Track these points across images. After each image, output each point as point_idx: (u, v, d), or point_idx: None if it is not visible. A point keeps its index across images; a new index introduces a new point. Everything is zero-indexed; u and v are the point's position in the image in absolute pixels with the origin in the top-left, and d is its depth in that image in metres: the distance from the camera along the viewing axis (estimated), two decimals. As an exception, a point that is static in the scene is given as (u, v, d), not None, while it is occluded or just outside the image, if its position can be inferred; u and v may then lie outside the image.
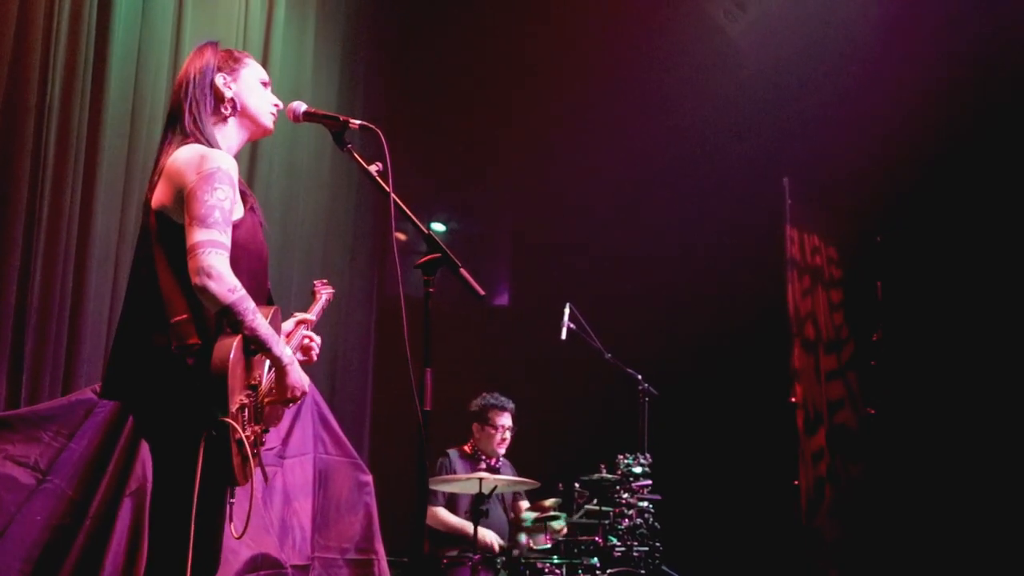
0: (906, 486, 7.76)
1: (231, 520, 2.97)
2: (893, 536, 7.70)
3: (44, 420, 4.17)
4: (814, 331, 7.90)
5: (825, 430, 7.78)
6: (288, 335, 3.34)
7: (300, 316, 3.45)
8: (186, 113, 3.06)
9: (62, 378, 4.62)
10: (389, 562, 5.27)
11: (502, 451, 6.46)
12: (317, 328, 3.51)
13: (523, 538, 6.21)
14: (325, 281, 3.75)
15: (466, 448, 6.48)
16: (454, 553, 5.88)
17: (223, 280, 2.79)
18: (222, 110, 3.14)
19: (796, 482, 7.34)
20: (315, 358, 3.42)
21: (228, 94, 3.15)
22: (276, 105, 3.27)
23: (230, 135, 3.16)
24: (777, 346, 7.55)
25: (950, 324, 7.72)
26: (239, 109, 3.17)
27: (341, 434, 5.41)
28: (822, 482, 7.63)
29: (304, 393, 3.03)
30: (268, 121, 3.25)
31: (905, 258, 8.06)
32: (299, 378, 3.00)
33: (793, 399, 7.44)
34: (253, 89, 3.21)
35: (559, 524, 5.95)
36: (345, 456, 5.39)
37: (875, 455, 8.05)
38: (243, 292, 2.82)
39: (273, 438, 4.99)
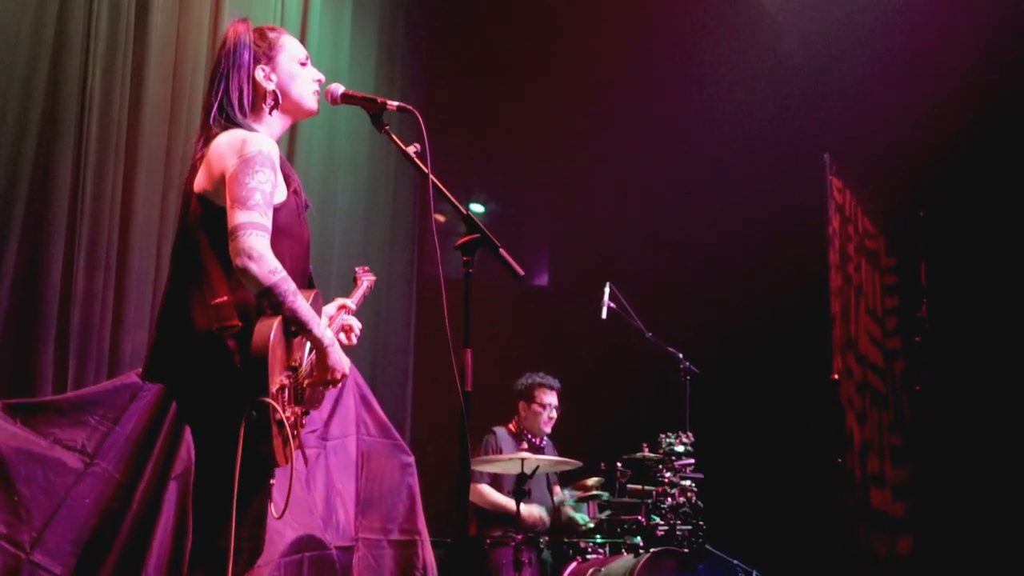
0: (950, 462, 7.68)
1: (272, 501, 3.00)
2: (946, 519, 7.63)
3: (90, 404, 4.22)
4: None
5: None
6: (330, 319, 3.35)
7: (341, 301, 3.46)
8: (216, 107, 3.04)
9: (107, 362, 4.66)
10: (432, 543, 5.29)
11: (548, 430, 6.48)
12: (358, 312, 3.52)
13: (568, 503, 6.23)
14: (367, 268, 3.76)
15: (512, 427, 6.50)
16: (498, 533, 5.90)
17: (264, 262, 2.80)
18: (263, 105, 3.12)
19: (840, 460, 7.28)
20: (355, 341, 3.43)
21: (270, 87, 3.13)
22: (319, 80, 3.25)
23: (272, 123, 3.16)
24: (819, 323, 7.48)
25: (996, 299, 7.60)
26: (281, 101, 3.16)
27: (383, 416, 5.43)
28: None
29: (345, 375, 3.04)
30: (312, 104, 3.23)
31: (950, 232, 7.95)
32: (339, 360, 3.01)
33: (835, 376, 7.38)
34: (294, 75, 3.18)
35: (582, 519, 5.98)
36: (387, 437, 5.41)
37: (918, 432, 7.98)
38: (284, 274, 2.83)
39: (315, 420, 5.01)
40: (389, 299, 7.22)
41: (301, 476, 4.79)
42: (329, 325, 3.27)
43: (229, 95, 3.06)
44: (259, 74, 3.12)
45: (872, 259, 8.13)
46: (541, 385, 6.46)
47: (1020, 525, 7.15)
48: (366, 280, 3.70)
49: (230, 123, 3.04)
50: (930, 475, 7.78)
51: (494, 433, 6.42)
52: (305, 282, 3.09)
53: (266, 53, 3.16)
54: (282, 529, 4.44)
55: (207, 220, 2.94)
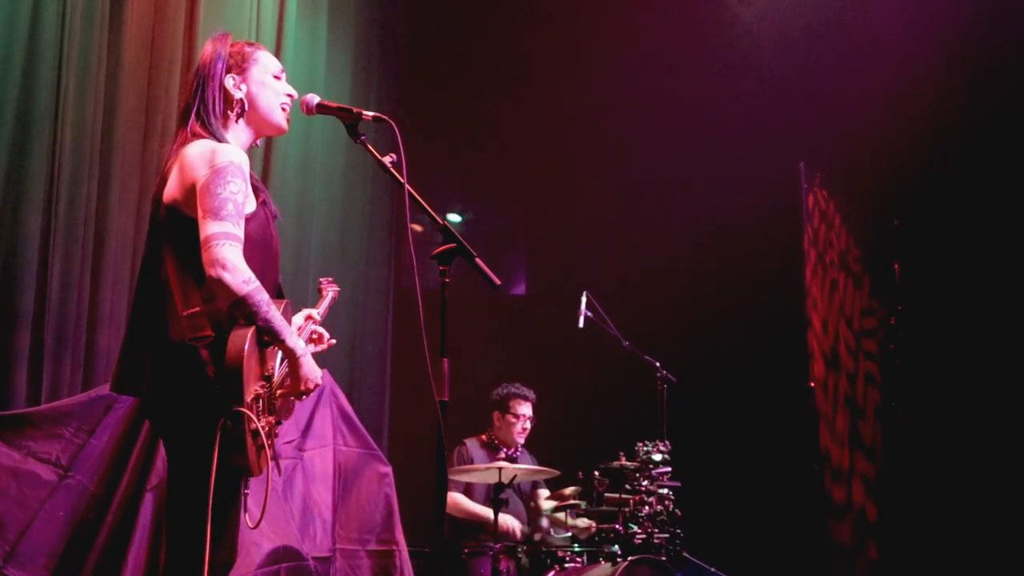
0: (927, 468, 7.72)
1: (246, 511, 2.99)
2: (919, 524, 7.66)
3: (65, 416, 4.19)
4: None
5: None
6: (299, 329, 3.36)
7: (307, 311, 3.47)
8: (193, 115, 3.09)
9: (82, 374, 4.63)
10: (410, 553, 5.28)
11: (521, 441, 6.48)
12: (327, 324, 3.53)
13: (544, 523, 6.23)
14: (331, 280, 3.78)
15: (484, 437, 6.50)
16: (474, 543, 5.89)
17: (237, 272, 2.81)
18: (230, 112, 3.15)
19: (815, 467, 7.31)
20: (326, 344, 3.45)
21: (238, 95, 3.16)
22: (290, 95, 3.27)
23: (240, 133, 3.18)
24: (795, 331, 7.52)
25: (972, 307, 7.63)
26: (248, 110, 3.18)
27: (360, 426, 5.42)
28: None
29: (317, 385, 3.06)
30: (279, 118, 3.25)
31: (924, 241, 7.99)
32: (312, 370, 3.02)
33: (811, 383, 7.42)
34: (264, 86, 3.21)
35: (584, 523, 5.97)
36: (364, 447, 5.40)
37: (894, 440, 8.02)
38: (257, 284, 2.84)
39: (292, 430, 5.00)
40: (366, 309, 7.21)
41: (277, 487, 4.78)
42: (298, 335, 3.27)
43: (204, 103, 3.10)
44: (229, 82, 3.16)
45: (848, 269, 8.17)
46: (516, 396, 6.46)
47: (994, 539, 7.19)
48: (331, 291, 3.72)
49: (204, 130, 3.06)
50: (902, 488, 7.82)
51: (464, 444, 6.42)
52: (275, 292, 3.10)
53: (239, 64, 3.20)
54: (258, 540, 4.42)
55: (177, 230, 2.94)
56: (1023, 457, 7.17)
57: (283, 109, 3.26)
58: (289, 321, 3.13)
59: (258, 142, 3.31)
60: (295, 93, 3.30)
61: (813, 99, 7.74)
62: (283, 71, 3.29)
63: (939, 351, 7.76)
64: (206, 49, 3.19)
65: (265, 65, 3.24)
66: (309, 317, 3.46)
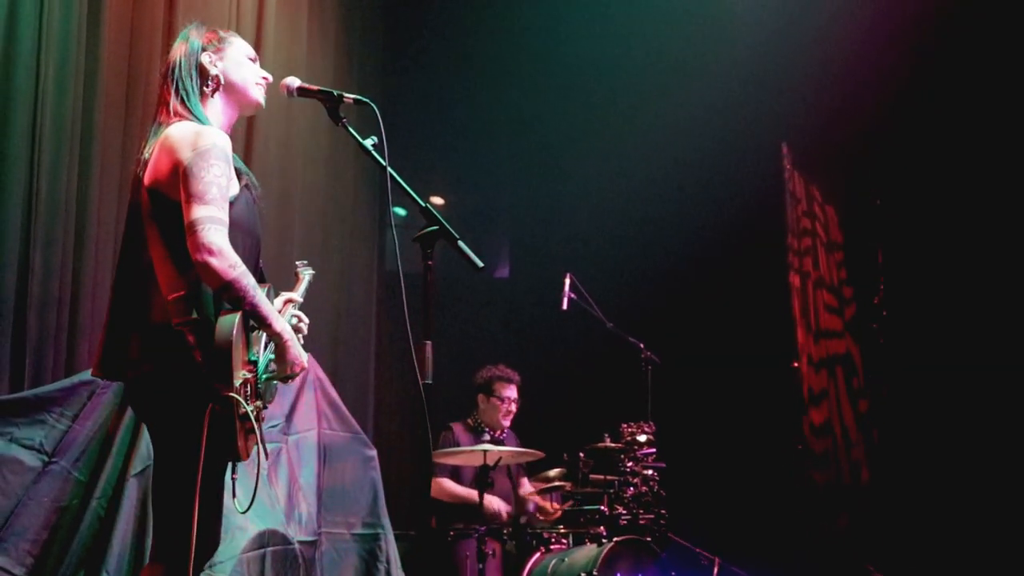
0: (907, 445, 7.76)
1: (235, 496, 2.99)
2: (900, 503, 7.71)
3: (48, 402, 4.18)
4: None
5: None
6: (280, 312, 3.35)
7: (287, 295, 3.46)
8: (172, 96, 3.08)
9: (64, 360, 4.61)
10: (396, 536, 5.29)
11: (507, 423, 6.47)
12: (306, 307, 3.51)
13: (531, 506, 6.25)
14: (305, 262, 3.76)
15: (469, 421, 6.49)
16: (460, 525, 5.90)
17: (224, 256, 2.80)
18: (205, 89, 3.15)
19: (800, 447, 7.35)
20: (305, 331, 3.43)
21: (214, 71, 3.16)
22: (265, 78, 3.27)
23: (219, 112, 3.18)
24: (779, 312, 7.54)
25: (953, 288, 7.65)
26: (224, 85, 3.18)
27: (345, 410, 5.42)
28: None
29: (303, 368, 3.05)
30: (256, 93, 3.25)
31: (905, 220, 8.01)
32: (298, 354, 3.03)
33: (795, 364, 7.44)
34: (240, 64, 3.22)
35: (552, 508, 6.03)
36: (349, 431, 5.40)
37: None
38: (243, 268, 2.84)
39: (277, 415, 5.00)
40: (350, 293, 7.19)
41: (264, 471, 4.77)
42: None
43: (182, 80, 3.10)
44: (205, 59, 3.16)
45: (830, 249, 8.20)
46: (500, 378, 6.45)
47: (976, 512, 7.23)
48: (307, 274, 3.70)
49: (184, 109, 3.06)
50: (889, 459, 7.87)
51: (451, 429, 6.41)
52: (257, 276, 3.09)
53: (214, 44, 3.20)
54: (244, 524, 4.42)
55: (159, 214, 2.93)
56: (1005, 431, 7.20)
57: (258, 86, 3.26)
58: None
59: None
60: (270, 77, 3.30)
61: (795, 79, 7.74)
62: (257, 59, 3.30)
63: (921, 330, 7.79)
64: (178, 42, 3.20)
65: (240, 48, 3.25)
66: (289, 300, 3.45)
